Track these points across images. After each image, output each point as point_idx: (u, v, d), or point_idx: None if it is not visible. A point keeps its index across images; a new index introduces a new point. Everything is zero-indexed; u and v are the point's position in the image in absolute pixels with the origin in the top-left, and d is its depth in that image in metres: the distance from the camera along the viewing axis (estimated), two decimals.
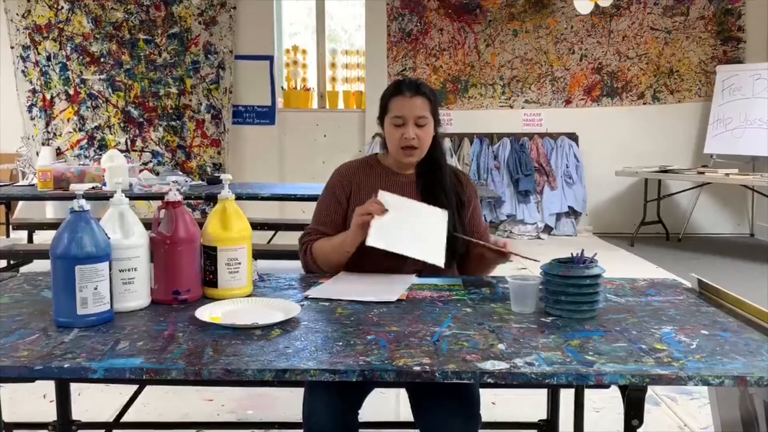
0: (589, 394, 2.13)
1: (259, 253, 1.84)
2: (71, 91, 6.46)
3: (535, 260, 1.73)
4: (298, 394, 1.71)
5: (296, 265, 2.02)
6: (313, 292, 1.66)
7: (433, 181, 1.97)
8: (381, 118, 2.01)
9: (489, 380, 1.17)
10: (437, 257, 1.80)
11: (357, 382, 1.19)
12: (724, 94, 6.43)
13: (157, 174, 5.61)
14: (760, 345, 1.31)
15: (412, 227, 1.83)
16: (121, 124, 6.53)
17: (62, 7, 6.38)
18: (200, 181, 5.11)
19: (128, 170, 4.08)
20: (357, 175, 2.00)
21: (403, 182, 1.99)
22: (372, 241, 1.75)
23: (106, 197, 3.60)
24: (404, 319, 1.46)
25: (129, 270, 1.48)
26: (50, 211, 5.77)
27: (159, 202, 1.63)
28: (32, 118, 6.46)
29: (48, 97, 6.45)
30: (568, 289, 1.46)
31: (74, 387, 2.18)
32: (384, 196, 1.84)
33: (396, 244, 1.78)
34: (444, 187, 1.96)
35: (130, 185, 3.90)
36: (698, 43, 6.70)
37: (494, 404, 2.67)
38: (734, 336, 1.36)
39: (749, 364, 1.20)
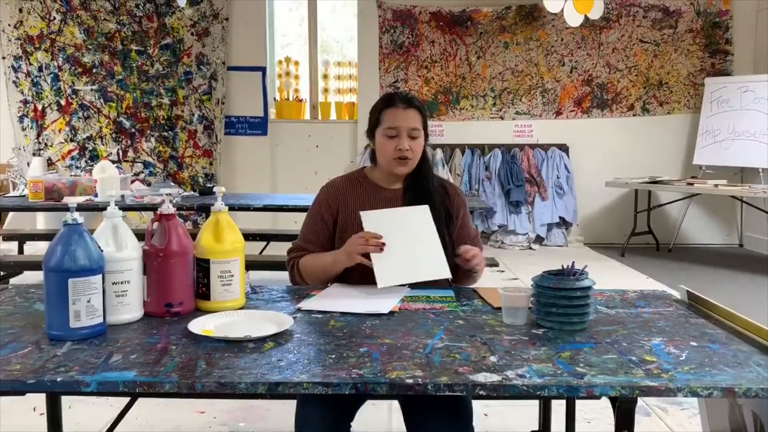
0: (580, 405, 2.14)
1: (251, 264, 1.85)
2: (63, 102, 6.45)
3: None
4: (289, 406, 1.71)
5: (288, 276, 2.02)
6: (306, 304, 1.67)
7: (420, 196, 1.98)
8: (371, 132, 2.02)
9: (481, 392, 1.18)
10: (444, 270, 1.82)
11: (349, 394, 1.20)
12: (712, 105, 6.50)
13: (149, 185, 5.61)
14: (748, 356, 1.32)
15: (408, 245, 1.83)
16: (113, 135, 6.52)
17: (54, 18, 6.38)
18: (192, 192, 5.10)
19: (120, 181, 4.08)
20: (344, 193, 2.00)
21: (389, 197, 1.99)
22: (381, 283, 1.75)
23: (99, 208, 3.61)
24: (397, 331, 1.47)
25: (122, 283, 1.48)
26: (41, 221, 5.74)
27: (151, 214, 1.64)
28: (23, 129, 6.44)
29: (39, 107, 6.44)
30: (559, 301, 1.47)
31: (65, 400, 2.17)
32: (367, 218, 1.85)
33: (403, 276, 1.79)
34: (432, 200, 1.96)
35: (122, 196, 3.90)
36: (687, 55, 6.78)
37: (486, 416, 2.67)
38: (723, 347, 1.38)
39: (737, 375, 1.22)
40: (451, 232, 1.98)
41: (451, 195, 2.04)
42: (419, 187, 1.99)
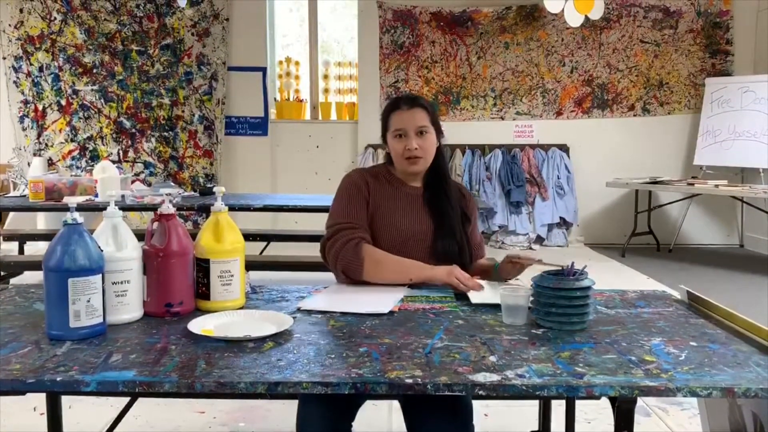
0: (580, 405, 2.14)
1: (251, 264, 1.84)
2: (63, 102, 6.45)
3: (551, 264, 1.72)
4: (289, 406, 1.71)
5: (288, 276, 2.03)
6: (306, 303, 1.67)
7: (438, 193, 2.03)
8: (384, 137, 2.06)
9: (480, 392, 1.18)
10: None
11: (350, 394, 1.20)
12: (713, 106, 6.50)
13: (149, 185, 5.61)
14: (747, 356, 1.32)
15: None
16: (114, 135, 6.52)
17: (55, 18, 6.38)
18: (193, 192, 5.10)
19: (120, 181, 4.08)
20: (372, 182, 2.02)
21: (411, 193, 2.04)
22: (475, 300, 1.72)
23: (99, 209, 3.61)
24: (396, 331, 1.47)
25: (122, 282, 1.48)
26: (41, 222, 5.75)
27: (151, 214, 1.63)
28: (24, 129, 6.45)
29: (40, 107, 6.45)
30: (559, 301, 1.47)
31: (65, 400, 2.17)
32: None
33: (492, 299, 1.74)
34: (449, 198, 2.02)
35: (122, 196, 3.90)
36: (687, 55, 6.78)
37: (486, 416, 2.67)
38: (722, 347, 1.38)
39: (737, 375, 1.22)
40: (466, 231, 2.04)
41: (466, 197, 2.11)
42: (437, 184, 2.04)
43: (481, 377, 1.19)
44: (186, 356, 1.29)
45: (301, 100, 6.96)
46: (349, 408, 1.64)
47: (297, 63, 6.93)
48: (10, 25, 6.35)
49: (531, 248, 6.61)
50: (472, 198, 2.14)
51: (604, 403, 1.43)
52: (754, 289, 4.98)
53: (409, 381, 1.17)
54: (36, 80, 6.42)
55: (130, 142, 6.54)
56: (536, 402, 2.17)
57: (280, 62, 6.92)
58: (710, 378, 1.20)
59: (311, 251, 2.86)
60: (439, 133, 2.03)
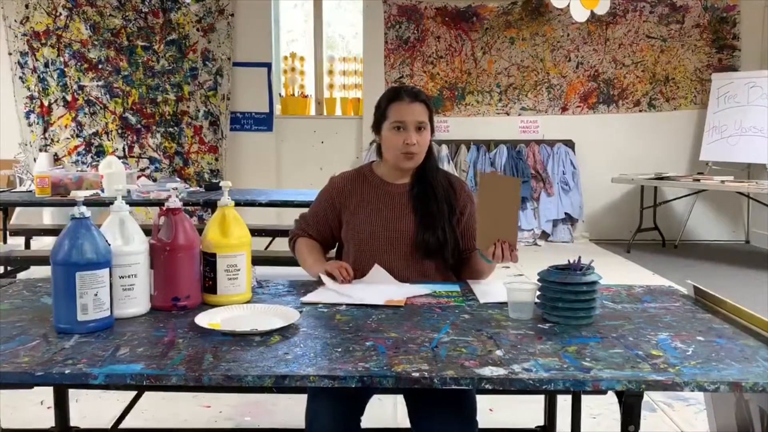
0: (586, 400, 2.14)
1: (256, 259, 1.84)
2: (69, 98, 6.46)
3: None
4: (295, 400, 1.72)
5: (294, 270, 2.05)
6: (309, 297, 1.68)
7: (425, 191, 1.99)
8: (377, 126, 2.03)
9: (487, 386, 1.18)
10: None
11: (358, 387, 1.20)
12: (719, 101, 6.47)
13: (155, 180, 5.62)
14: (755, 351, 1.32)
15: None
16: (119, 131, 6.53)
17: (60, 14, 6.39)
18: (198, 188, 5.11)
19: (126, 176, 4.09)
20: (350, 187, 2.03)
21: (395, 192, 2.01)
22: (483, 299, 1.70)
23: (105, 204, 3.62)
24: (403, 325, 1.47)
25: (129, 276, 1.49)
26: (47, 217, 5.77)
27: (156, 209, 1.64)
28: (30, 125, 6.46)
29: (46, 103, 6.46)
30: (565, 296, 1.47)
31: (72, 393, 2.18)
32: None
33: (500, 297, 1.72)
34: (436, 196, 1.98)
35: (128, 191, 3.91)
36: (693, 51, 6.75)
37: (492, 410, 2.68)
38: (729, 342, 1.38)
39: (744, 370, 1.21)
40: (455, 226, 1.98)
41: (456, 190, 2.04)
42: (425, 182, 2.00)
43: (488, 371, 1.19)
44: (193, 350, 1.29)
45: (306, 96, 6.95)
46: (358, 402, 1.64)
47: (302, 58, 6.92)
48: (15, 20, 6.36)
49: (536, 244, 6.60)
50: (464, 189, 2.06)
51: (610, 399, 1.43)
52: (760, 285, 4.96)
53: (416, 375, 1.18)
54: (42, 76, 6.43)
55: (135, 138, 6.55)
56: (542, 397, 2.17)
57: (285, 58, 6.91)
58: (717, 373, 1.20)
59: None
60: (432, 131, 2.00)
